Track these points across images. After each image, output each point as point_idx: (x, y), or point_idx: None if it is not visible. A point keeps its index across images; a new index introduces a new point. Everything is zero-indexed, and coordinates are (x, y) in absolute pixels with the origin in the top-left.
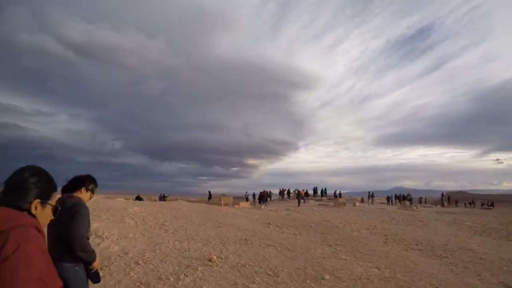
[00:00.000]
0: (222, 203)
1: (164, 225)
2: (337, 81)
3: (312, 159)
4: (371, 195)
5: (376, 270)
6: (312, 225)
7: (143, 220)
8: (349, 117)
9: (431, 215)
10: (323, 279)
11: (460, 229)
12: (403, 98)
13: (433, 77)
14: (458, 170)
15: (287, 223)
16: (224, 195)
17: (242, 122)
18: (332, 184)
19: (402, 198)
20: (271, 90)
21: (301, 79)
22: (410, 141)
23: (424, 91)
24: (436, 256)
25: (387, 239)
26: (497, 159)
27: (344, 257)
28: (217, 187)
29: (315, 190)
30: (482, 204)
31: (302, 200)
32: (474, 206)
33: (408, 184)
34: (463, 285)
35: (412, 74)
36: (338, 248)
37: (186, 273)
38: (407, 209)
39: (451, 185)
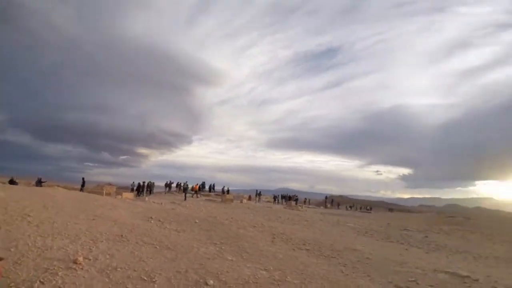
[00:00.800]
0: (104, 192)
1: (29, 215)
2: (240, 82)
3: (204, 154)
4: (258, 193)
5: (265, 272)
6: (197, 221)
7: (5, 209)
8: (246, 117)
9: (316, 216)
10: (207, 284)
11: (344, 230)
12: (300, 107)
13: (331, 93)
14: (341, 177)
15: (171, 217)
16: (110, 184)
17: (137, 109)
18: (221, 180)
19: (288, 198)
20: (172, 79)
21: (205, 74)
22: (300, 147)
23: (321, 104)
24: (324, 256)
25: (275, 238)
26: (377, 171)
27: (230, 258)
28: (104, 174)
29: (203, 184)
30: (361, 208)
31: (189, 195)
32: (356, 209)
33: (293, 185)
34: (355, 287)
35: (313, 87)
36: (223, 247)
37: (42, 280)
38: (293, 209)
39: (333, 190)
